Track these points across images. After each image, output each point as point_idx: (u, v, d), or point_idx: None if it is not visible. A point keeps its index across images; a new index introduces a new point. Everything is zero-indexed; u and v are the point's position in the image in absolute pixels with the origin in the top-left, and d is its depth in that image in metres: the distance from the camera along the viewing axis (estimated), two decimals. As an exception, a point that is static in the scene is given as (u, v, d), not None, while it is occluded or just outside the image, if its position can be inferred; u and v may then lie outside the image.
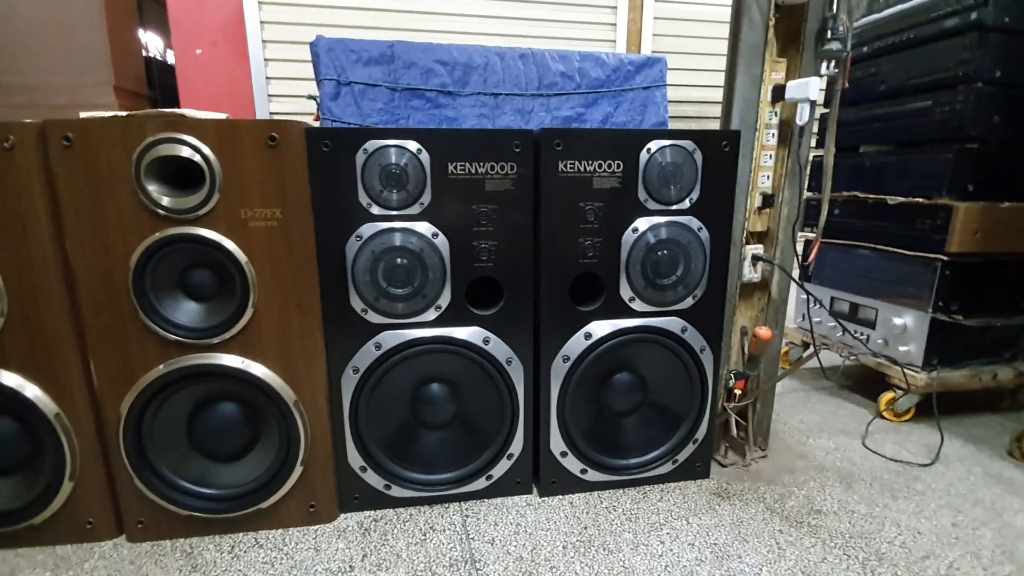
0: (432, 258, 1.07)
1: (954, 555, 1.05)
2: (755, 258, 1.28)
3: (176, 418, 1.06)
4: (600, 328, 1.16)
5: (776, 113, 1.24)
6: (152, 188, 0.94)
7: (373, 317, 1.09)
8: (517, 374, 1.16)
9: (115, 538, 1.10)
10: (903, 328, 1.59)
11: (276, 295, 1.03)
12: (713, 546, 1.07)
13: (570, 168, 1.08)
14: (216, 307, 1.02)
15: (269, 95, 2.67)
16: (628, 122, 2.47)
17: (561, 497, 1.23)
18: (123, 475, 1.05)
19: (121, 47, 2.45)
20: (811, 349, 1.87)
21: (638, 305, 1.17)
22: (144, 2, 2.71)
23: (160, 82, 2.84)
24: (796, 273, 1.33)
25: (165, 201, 0.95)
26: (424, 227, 1.07)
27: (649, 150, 1.10)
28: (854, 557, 1.04)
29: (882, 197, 1.63)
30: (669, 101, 2.53)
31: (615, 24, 2.89)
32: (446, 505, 1.20)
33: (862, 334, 1.73)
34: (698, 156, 1.12)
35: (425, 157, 1.04)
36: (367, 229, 1.05)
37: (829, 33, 1.16)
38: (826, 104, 1.25)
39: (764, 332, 1.26)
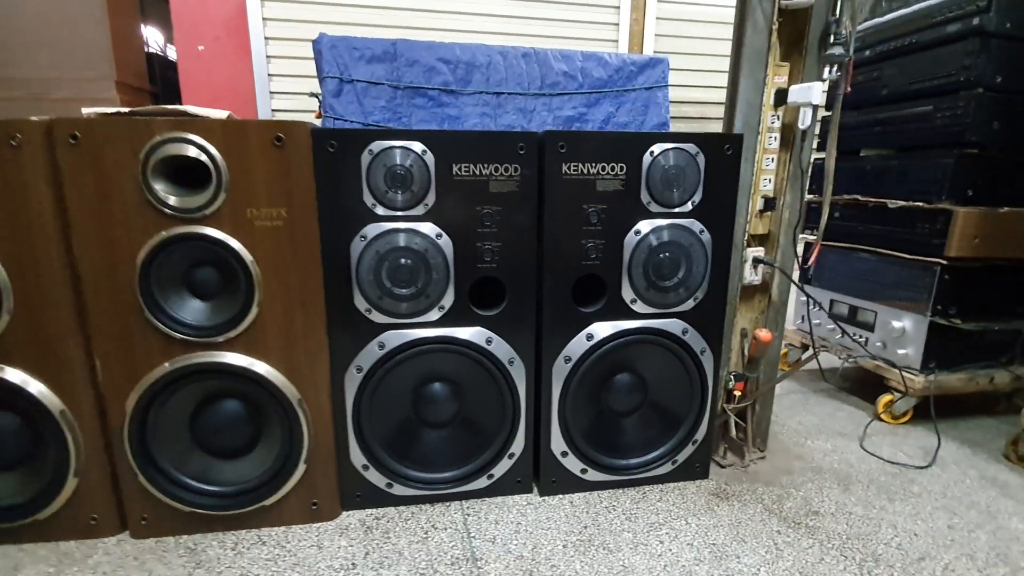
0: (436, 259, 1.08)
1: (949, 557, 1.07)
2: (756, 261, 1.29)
3: (180, 415, 1.06)
4: (602, 329, 1.17)
5: (778, 117, 1.25)
6: (159, 187, 0.95)
7: (377, 317, 1.10)
8: (519, 374, 1.17)
9: (118, 534, 1.10)
10: (902, 331, 1.61)
11: (281, 294, 1.04)
12: (712, 546, 1.08)
13: (574, 170, 1.09)
14: (221, 306, 1.03)
15: (271, 92, 2.67)
16: (630, 122, 2.48)
17: (561, 496, 1.24)
18: (126, 471, 1.05)
19: (123, 42, 2.45)
20: (810, 351, 1.88)
21: (639, 307, 1.18)
22: (146, -3, 2.70)
23: (161, 77, 2.83)
24: (796, 275, 1.34)
25: (172, 200, 0.95)
26: (428, 228, 1.07)
27: (652, 153, 1.11)
28: (851, 558, 1.05)
29: (882, 201, 1.64)
30: (671, 102, 2.54)
31: (617, 24, 2.89)
32: (447, 504, 1.21)
33: (861, 337, 1.74)
34: (701, 159, 1.13)
35: (430, 158, 1.05)
36: (372, 229, 1.05)
37: (832, 37, 1.17)
38: (828, 108, 1.26)
39: (764, 334, 1.27)
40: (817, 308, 1.87)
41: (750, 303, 1.36)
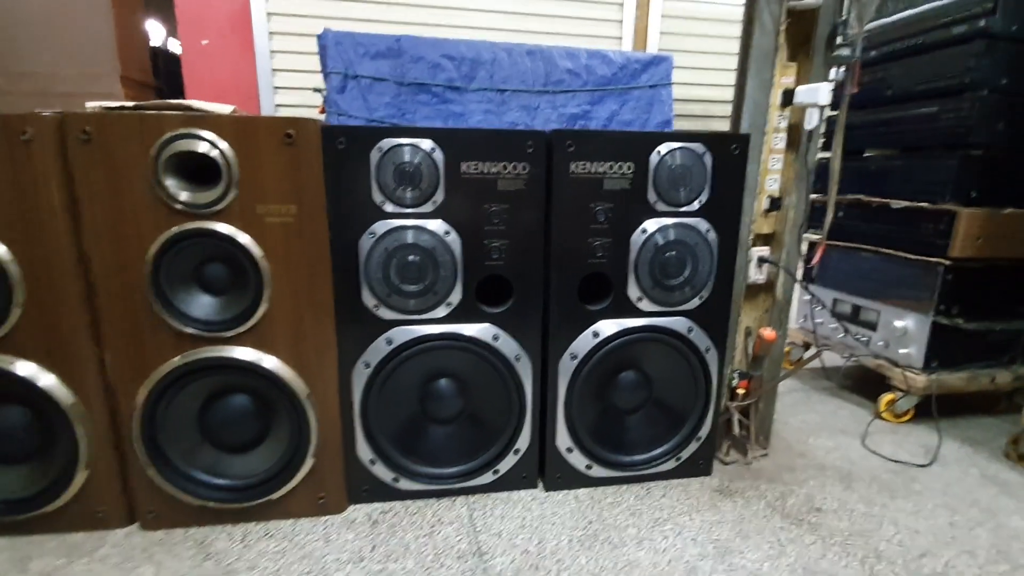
0: (444, 256, 1.09)
1: (950, 554, 1.08)
2: (761, 260, 1.30)
3: (189, 409, 1.07)
4: (607, 327, 1.18)
5: (785, 117, 1.25)
6: (170, 183, 0.95)
7: (384, 313, 1.10)
8: (525, 371, 1.18)
9: (127, 527, 1.11)
10: (904, 330, 1.62)
11: (290, 290, 1.04)
12: (715, 542, 1.09)
13: (581, 169, 1.10)
14: (231, 301, 1.04)
15: (274, 87, 2.67)
16: (633, 120, 2.48)
17: (566, 492, 1.25)
18: (135, 464, 1.06)
19: (127, 36, 2.44)
20: (814, 349, 1.89)
21: (645, 305, 1.19)
22: (149, -9, 2.70)
23: (164, 72, 2.83)
24: (799, 274, 1.35)
25: (183, 196, 0.96)
26: (437, 225, 1.08)
27: (659, 152, 1.12)
28: (853, 554, 1.07)
29: (886, 201, 1.64)
30: (674, 100, 2.54)
31: (621, 21, 2.89)
32: (452, 498, 1.22)
33: (863, 336, 1.75)
34: (708, 159, 1.14)
35: (439, 156, 1.05)
36: (380, 226, 1.06)
37: (839, 39, 1.17)
38: (834, 108, 1.26)
39: (768, 333, 1.28)
40: (821, 307, 1.88)
41: (754, 302, 1.37)
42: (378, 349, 1.11)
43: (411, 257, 1.07)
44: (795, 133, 1.26)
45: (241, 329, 1.03)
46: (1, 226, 0.95)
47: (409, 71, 2.31)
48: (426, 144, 1.04)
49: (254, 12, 2.57)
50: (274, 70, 2.65)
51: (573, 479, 1.25)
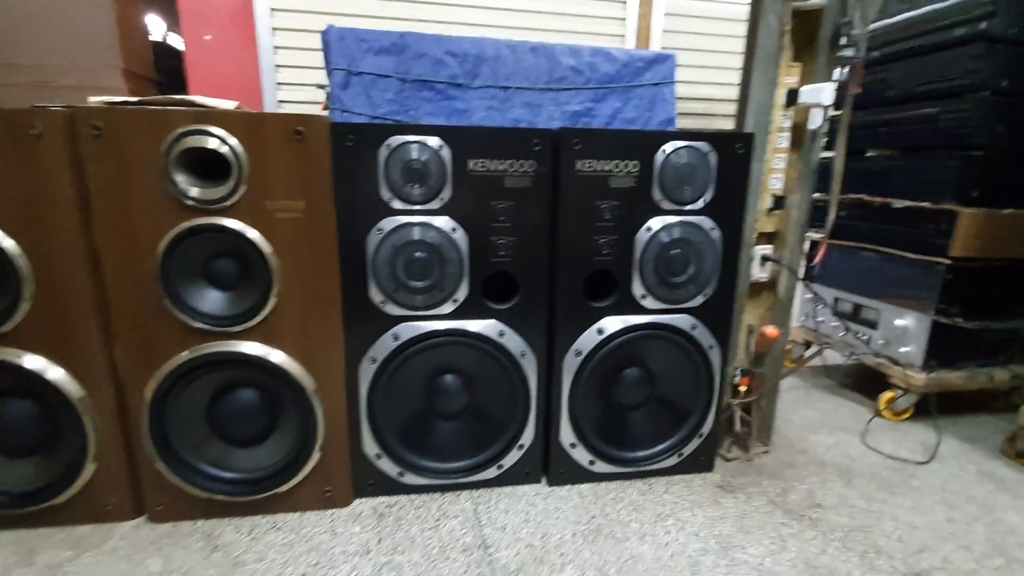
0: (451, 252, 1.10)
1: (948, 549, 1.10)
2: (764, 258, 1.31)
3: (198, 403, 1.08)
4: (612, 324, 1.19)
5: (789, 116, 1.26)
6: (180, 179, 0.96)
7: (391, 309, 1.11)
8: (530, 367, 1.19)
9: (134, 519, 1.12)
10: (904, 329, 1.63)
11: (298, 285, 1.05)
12: (718, 537, 1.11)
13: (588, 167, 1.11)
14: (239, 296, 1.04)
15: (277, 83, 2.67)
16: (636, 118, 2.49)
17: (569, 487, 1.26)
18: (143, 457, 1.07)
19: (129, 30, 2.44)
20: (815, 347, 1.91)
21: (649, 302, 1.20)
22: (151, -15, 2.69)
23: (165, 66, 2.83)
24: (801, 272, 1.36)
25: (193, 192, 0.96)
26: (444, 222, 1.09)
27: (665, 151, 1.13)
28: (853, 549, 1.08)
29: (888, 200, 1.66)
30: (677, 98, 2.55)
31: (625, 19, 2.89)
32: (457, 493, 1.23)
33: (864, 334, 1.77)
34: (712, 158, 1.15)
35: (446, 153, 1.06)
36: (388, 223, 1.07)
37: (844, 39, 1.18)
38: (837, 108, 1.27)
39: (771, 331, 1.29)
40: (822, 306, 1.90)
41: (757, 300, 1.38)
42: (385, 345, 1.12)
43: (418, 253, 1.08)
44: (799, 133, 1.27)
45: (249, 324, 1.04)
46: (10, 220, 0.96)
47: (412, 67, 2.31)
48: (434, 141, 1.05)
49: (257, 7, 2.57)
50: (277, 66, 2.65)
51: (576, 475, 1.26)
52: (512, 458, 1.23)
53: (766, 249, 1.32)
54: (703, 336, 1.24)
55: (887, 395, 1.65)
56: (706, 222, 1.18)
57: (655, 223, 1.16)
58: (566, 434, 1.23)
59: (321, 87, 2.43)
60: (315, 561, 1.01)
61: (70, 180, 0.96)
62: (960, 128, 1.49)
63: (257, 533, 1.09)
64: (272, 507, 1.14)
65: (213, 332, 1.03)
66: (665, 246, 1.16)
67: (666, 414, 1.29)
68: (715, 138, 1.14)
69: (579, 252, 1.15)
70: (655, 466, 1.29)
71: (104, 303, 1.01)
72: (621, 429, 1.28)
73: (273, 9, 2.59)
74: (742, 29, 1.23)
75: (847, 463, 1.40)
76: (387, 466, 1.19)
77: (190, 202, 0.97)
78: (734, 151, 1.16)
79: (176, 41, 3.26)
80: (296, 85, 2.68)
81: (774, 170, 1.28)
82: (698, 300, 1.22)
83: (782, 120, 1.26)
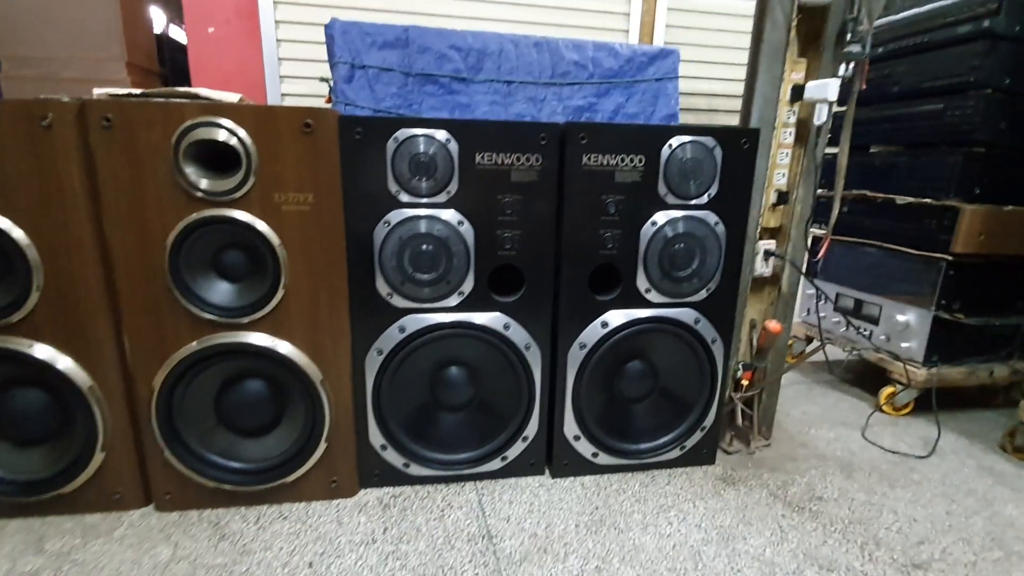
0: (457, 245, 1.10)
1: (947, 541, 1.11)
2: (767, 253, 1.32)
3: (206, 393, 1.09)
4: (616, 317, 1.20)
5: (794, 112, 1.26)
6: (190, 170, 0.96)
7: (398, 301, 1.12)
8: (535, 359, 1.20)
9: (143, 508, 1.13)
10: (906, 325, 1.64)
11: (306, 277, 1.06)
12: (719, 528, 1.12)
13: (593, 161, 1.11)
14: (248, 288, 1.05)
15: (281, 76, 2.66)
16: (639, 113, 2.49)
17: (573, 479, 1.28)
18: (152, 447, 1.08)
19: (133, 22, 2.44)
20: (816, 342, 1.92)
21: (653, 296, 1.21)
22: (155, -23, 2.68)
23: (168, 59, 2.82)
24: (804, 267, 1.37)
25: (203, 184, 0.97)
26: (450, 215, 1.09)
27: (671, 146, 1.13)
28: (853, 541, 1.09)
29: (890, 196, 1.66)
30: (680, 93, 2.54)
31: (628, 14, 2.89)
32: (462, 484, 1.25)
33: (865, 330, 1.78)
34: (718, 153, 1.15)
35: (454, 147, 1.06)
36: (395, 215, 1.08)
37: (849, 35, 1.18)
38: (841, 104, 1.28)
39: (774, 325, 1.30)
40: (825, 301, 1.90)
41: (760, 294, 1.39)
42: (391, 336, 1.13)
43: (425, 246, 1.09)
44: (803, 128, 1.28)
45: (258, 315, 1.05)
46: (20, 210, 0.96)
47: (416, 61, 2.31)
48: (441, 135, 1.06)
49: (261, 0, 2.56)
50: (281, 59, 2.64)
51: (580, 466, 1.28)
52: (516, 450, 1.24)
53: (769, 244, 1.33)
54: (706, 330, 1.25)
55: (888, 390, 1.67)
56: (710, 217, 1.18)
57: (660, 217, 1.16)
58: (570, 426, 1.24)
59: (325, 80, 2.43)
60: (322, 550, 1.03)
61: (80, 171, 0.97)
62: (963, 125, 1.50)
63: (264, 522, 1.10)
64: (279, 497, 1.16)
65: (221, 323, 1.04)
66: (669, 240, 1.17)
67: (669, 407, 1.30)
68: (720, 133, 1.15)
69: (584, 246, 1.15)
70: (657, 458, 1.30)
71: (113, 294, 1.02)
72: (624, 422, 1.29)
73: (277, 2, 2.58)
74: (745, 24, 1.23)
75: (847, 457, 1.41)
76: (393, 457, 1.20)
77: (199, 194, 0.98)
78: (739, 146, 1.16)
79: (178, 33, 3.25)
80: (300, 78, 2.68)
81: (778, 165, 1.29)
82: (702, 294, 1.23)
83: (787, 116, 1.26)
